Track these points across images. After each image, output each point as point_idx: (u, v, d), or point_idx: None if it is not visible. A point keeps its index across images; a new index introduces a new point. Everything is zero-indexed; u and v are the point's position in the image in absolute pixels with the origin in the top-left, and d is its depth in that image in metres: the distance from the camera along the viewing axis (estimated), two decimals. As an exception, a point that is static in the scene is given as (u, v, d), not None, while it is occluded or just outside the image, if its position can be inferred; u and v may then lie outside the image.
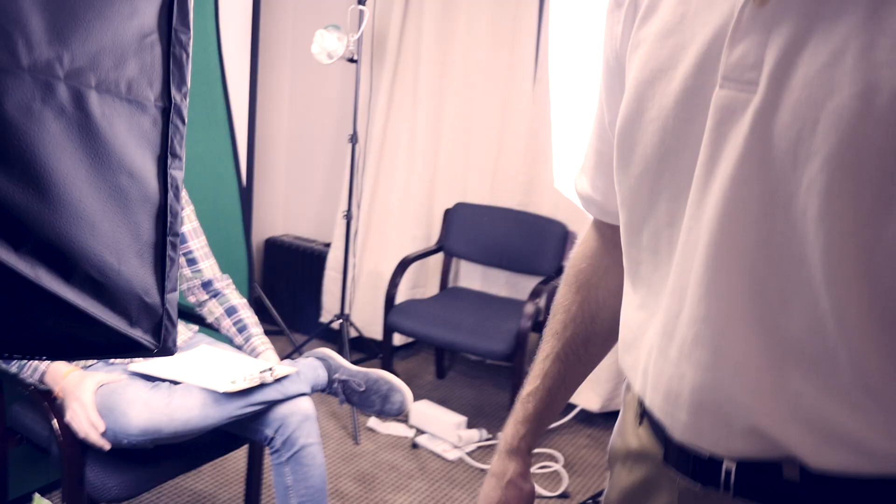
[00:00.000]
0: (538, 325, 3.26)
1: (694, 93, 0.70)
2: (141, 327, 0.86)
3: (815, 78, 0.62)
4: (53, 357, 0.91)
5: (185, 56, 0.85)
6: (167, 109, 0.84)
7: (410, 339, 3.72)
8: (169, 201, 0.85)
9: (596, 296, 1.03)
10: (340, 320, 3.41)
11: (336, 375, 1.98)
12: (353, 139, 3.34)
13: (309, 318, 3.87)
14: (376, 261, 3.69)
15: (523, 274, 3.42)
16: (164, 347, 0.90)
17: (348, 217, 3.40)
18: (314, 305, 3.88)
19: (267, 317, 3.39)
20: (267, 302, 3.65)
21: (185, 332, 2.16)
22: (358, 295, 3.73)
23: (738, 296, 0.69)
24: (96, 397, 1.77)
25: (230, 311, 2.13)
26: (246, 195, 3.76)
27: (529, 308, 2.98)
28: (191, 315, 2.20)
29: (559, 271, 3.23)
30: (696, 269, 0.71)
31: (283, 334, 3.64)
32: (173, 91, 0.84)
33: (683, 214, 0.73)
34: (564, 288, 1.06)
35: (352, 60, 3.20)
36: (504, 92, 3.34)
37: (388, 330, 3.20)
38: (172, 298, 0.93)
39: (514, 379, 2.92)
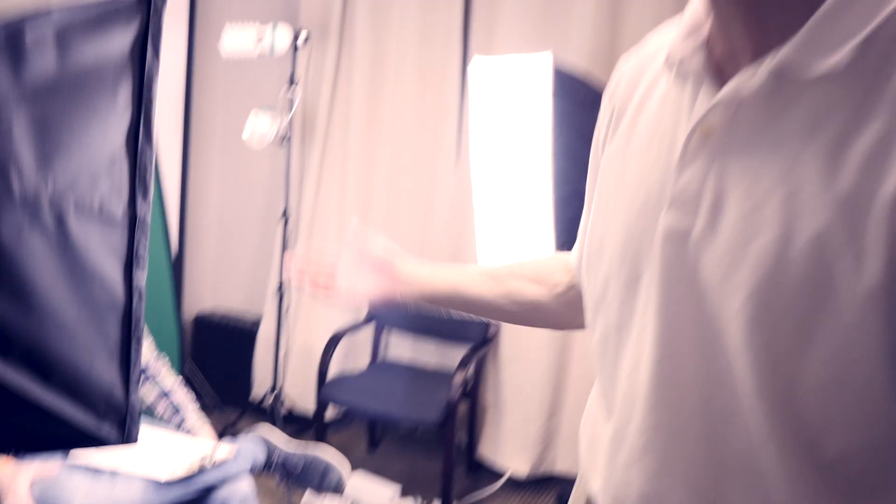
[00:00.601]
0: (467, 394, 3.36)
1: (648, 212, 0.75)
2: (108, 422, 0.94)
3: (744, 218, 0.66)
4: (21, 452, 0.98)
5: (149, 171, 0.96)
6: (133, 220, 0.94)
7: (342, 413, 3.76)
8: (133, 305, 0.95)
9: (524, 286, 1.11)
10: (273, 395, 3.44)
11: (275, 456, 2.04)
12: (285, 216, 3.44)
13: (241, 393, 3.87)
14: (307, 335, 3.75)
15: (452, 342, 3.53)
16: (128, 439, 0.98)
17: (280, 293, 3.46)
18: (245, 380, 3.89)
19: (198, 392, 3.40)
20: (198, 377, 3.66)
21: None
22: (290, 369, 3.77)
23: (687, 408, 0.73)
24: (35, 490, 1.78)
25: (165, 394, 2.17)
26: (176, 271, 3.79)
27: (458, 378, 3.09)
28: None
29: (485, 340, 3.36)
30: (644, 381, 0.76)
31: (215, 410, 3.64)
32: (139, 202, 0.94)
33: (631, 322, 0.78)
34: (518, 265, 1.15)
35: (283, 141, 3.31)
36: (429, 168, 3.50)
37: (321, 404, 3.25)
38: (136, 396, 1.02)
39: (446, 448, 3.00)
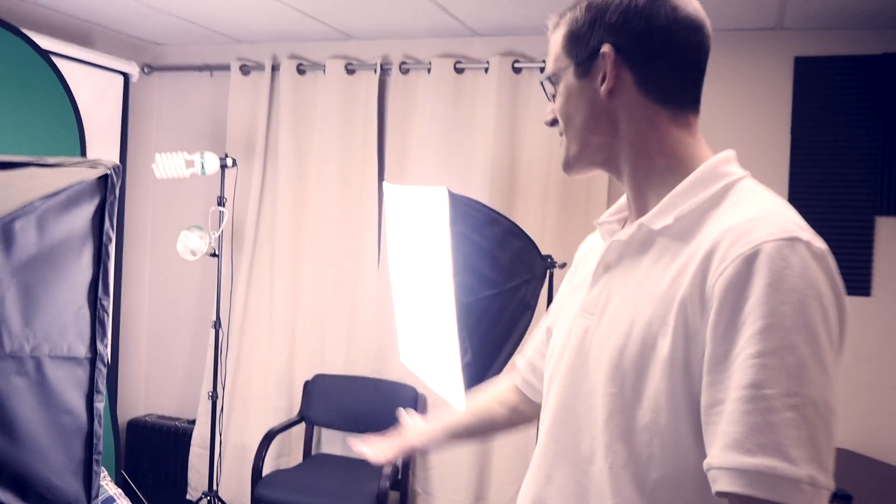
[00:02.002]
0: (396, 484, 3.54)
1: (572, 317, 1.13)
2: (73, 529, 1.14)
3: (614, 314, 1.03)
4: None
5: (106, 316, 1.19)
6: (94, 359, 1.17)
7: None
8: (94, 428, 1.16)
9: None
10: (208, 497, 3.54)
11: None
12: (217, 324, 3.63)
13: (176, 496, 3.95)
14: (241, 435, 3.89)
15: (380, 435, 3.71)
16: (90, 543, 1.18)
17: (213, 396, 3.62)
18: (181, 483, 3.98)
19: (134, 499, 3.48)
20: (133, 482, 3.73)
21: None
22: (224, 469, 3.88)
23: (566, 442, 1.08)
24: None
25: (108, 501, 2.30)
26: (110, 377, 3.90)
27: (387, 468, 3.27)
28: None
29: (412, 431, 3.56)
30: (546, 421, 1.12)
31: (150, 516, 3.71)
32: (98, 345, 1.18)
33: (552, 382, 1.15)
34: (493, 390, 1.53)
35: (213, 255, 3.53)
36: (353, 274, 3.76)
37: (256, 501, 3.38)
38: (96, 500, 1.23)
39: (378, 537, 3.16)
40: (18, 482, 1.06)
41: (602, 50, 1.04)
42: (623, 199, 1.18)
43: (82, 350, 1.19)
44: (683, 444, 0.94)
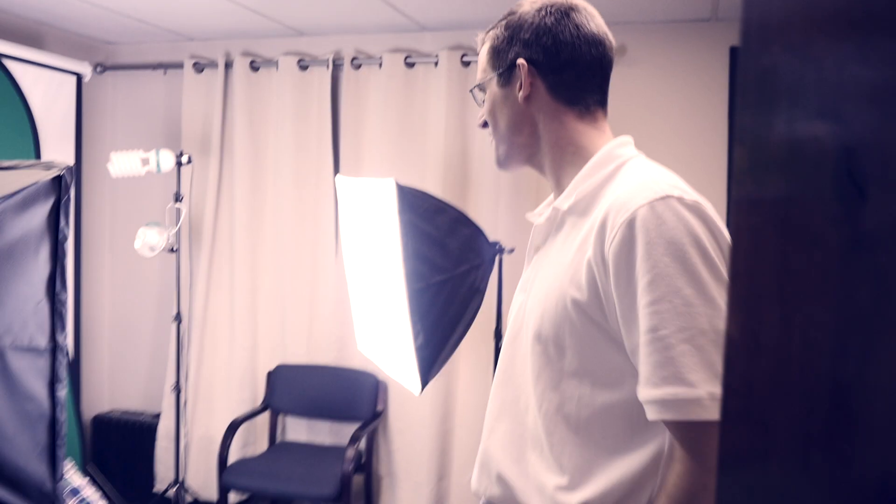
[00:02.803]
0: (360, 468, 3.64)
1: (515, 296, 1.32)
2: (41, 508, 1.22)
3: (537, 287, 1.22)
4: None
5: (64, 309, 1.27)
6: (54, 349, 1.25)
7: (245, 496, 3.96)
8: (57, 414, 1.25)
9: None
10: (175, 487, 3.61)
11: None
12: (178, 318, 3.69)
13: (143, 488, 4.01)
14: (206, 426, 3.96)
15: (343, 422, 3.81)
16: (56, 523, 1.27)
17: (178, 389, 3.68)
18: (147, 475, 4.03)
19: (103, 491, 3.53)
20: (100, 476, 3.78)
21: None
22: (191, 460, 3.95)
23: (508, 399, 1.27)
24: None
25: (74, 492, 2.37)
26: (73, 375, 3.94)
27: (350, 453, 3.37)
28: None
29: (375, 415, 3.67)
30: (494, 380, 1.33)
31: (118, 509, 3.76)
32: (58, 335, 1.26)
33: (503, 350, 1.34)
34: None
35: (172, 250, 3.59)
36: (311, 265, 3.84)
37: (224, 490, 3.46)
38: (60, 485, 1.32)
39: (343, 519, 3.26)
40: (-12, 465, 1.13)
41: (518, 62, 1.24)
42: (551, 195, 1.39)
43: (43, 341, 1.27)
44: (607, 380, 1.13)
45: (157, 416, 4.09)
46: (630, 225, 1.05)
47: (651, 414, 1.05)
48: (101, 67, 4.13)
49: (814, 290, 0.35)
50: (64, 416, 1.23)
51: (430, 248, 2.34)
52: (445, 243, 2.46)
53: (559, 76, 1.24)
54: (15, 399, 1.17)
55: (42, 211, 1.26)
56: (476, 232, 2.55)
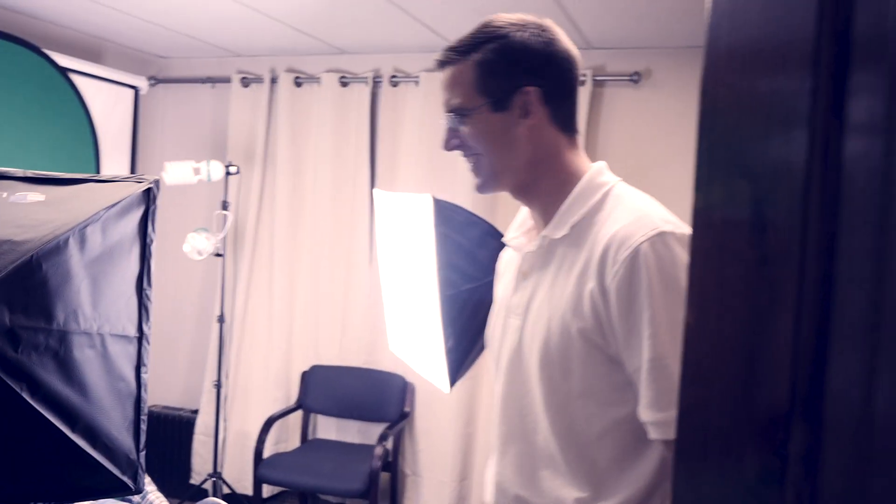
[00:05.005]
0: (387, 465, 3.82)
1: (504, 318, 1.36)
2: (127, 475, 1.43)
3: (535, 313, 1.26)
4: (74, 498, 1.44)
5: (149, 303, 1.48)
6: (140, 338, 1.46)
7: (278, 490, 4.15)
8: (141, 394, 1.45)
9: None
10: (213, 479, 3.82)
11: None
12: (221, 319, 3.91)
13: (180, 481, 4.21)
14: (242, 422, 4.16)
15: (372, 422, 4.00)
16: (139, 489, 1.47)
17: (218, 385, 3.89)
18: (184, 469, 4.24)
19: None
20: (142, 469, 4.00)
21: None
22: (227, 455, 4.15)
23: (514, 421, 1.31)
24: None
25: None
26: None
27: (379, 451, 3.56)
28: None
29: (402, 416, 3.85)
30: (497, 406, 1.36)
31: (158, 498, 3.97)
32: (143, 326, 1.46)
33: (498, 375, 1.38)
34: None
35: (218, 255, 3.81)
36: (346, 272, 4.04)
37: (258, 482, 3.65)
38: (143, 455, 1.53)
39: (370, 512, 3.45)
40: (90, 433, 1.34)
41: (526, 89, 1.23)
42: (522, 215, 1.43)
43: (132, 330, 1.47)
44: (613, 398, 1.22)
45: (195, 411, 4.29)
46: (632, 261, 1.13)
47: (655, 433, 1.14)
48: (154, 80, 4.37)
49: (738, 291, 0.53)
50: (146, 396, 1.44)
51: (462, 258, 2.53)
52: (476, 254, 2.64)
53: (561, 103, 1.27)
54: (112, 379, 1.38)
55: (135, 218, 1.47)
56: (504, 245, 2.74)
